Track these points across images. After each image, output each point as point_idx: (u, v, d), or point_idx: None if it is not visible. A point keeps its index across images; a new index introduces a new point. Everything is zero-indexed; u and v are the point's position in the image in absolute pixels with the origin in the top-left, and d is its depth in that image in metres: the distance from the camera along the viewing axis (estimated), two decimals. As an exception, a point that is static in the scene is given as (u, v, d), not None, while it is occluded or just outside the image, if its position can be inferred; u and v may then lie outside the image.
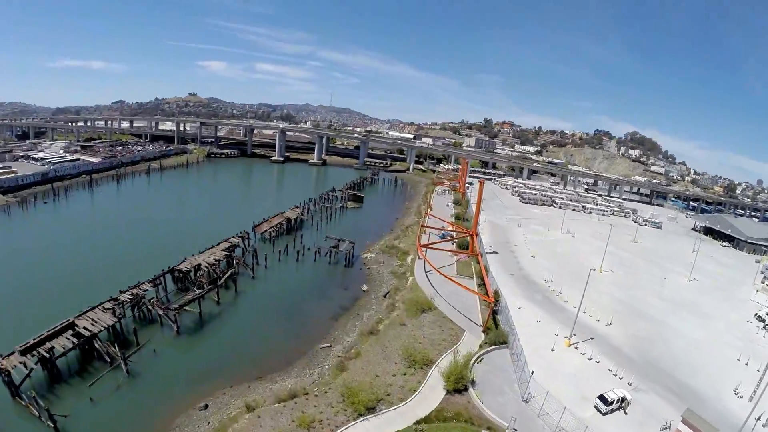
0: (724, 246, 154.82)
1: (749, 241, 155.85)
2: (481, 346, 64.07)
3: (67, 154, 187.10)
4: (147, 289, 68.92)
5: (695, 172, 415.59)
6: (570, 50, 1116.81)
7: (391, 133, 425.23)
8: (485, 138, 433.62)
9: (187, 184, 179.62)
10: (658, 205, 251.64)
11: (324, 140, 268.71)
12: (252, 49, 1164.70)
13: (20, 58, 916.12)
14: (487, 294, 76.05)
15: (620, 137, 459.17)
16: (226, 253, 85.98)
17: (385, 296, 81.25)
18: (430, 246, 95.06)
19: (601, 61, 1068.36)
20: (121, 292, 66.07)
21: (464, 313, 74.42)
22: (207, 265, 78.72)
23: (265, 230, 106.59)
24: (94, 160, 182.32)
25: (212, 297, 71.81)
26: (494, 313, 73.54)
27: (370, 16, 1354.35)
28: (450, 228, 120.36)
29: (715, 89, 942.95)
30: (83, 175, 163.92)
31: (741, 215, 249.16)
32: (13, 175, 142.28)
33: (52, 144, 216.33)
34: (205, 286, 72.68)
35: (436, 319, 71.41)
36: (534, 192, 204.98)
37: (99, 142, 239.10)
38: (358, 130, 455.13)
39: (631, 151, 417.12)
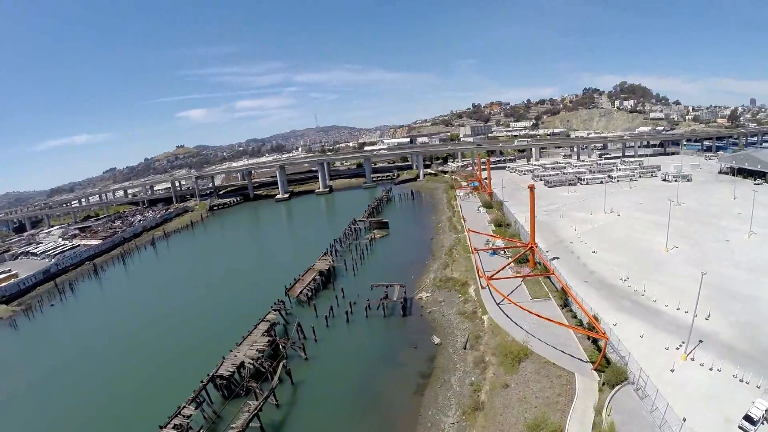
0: (757, 183, 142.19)
1: None
2: (600, 390, 51.27)
3: (66, 242, 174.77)
4: (191, 414, 55.28)
5: (693, 109, 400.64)
6: (536, 12, 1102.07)
7: (385, 141, 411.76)
8: (480, 124, 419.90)
9: (196, 249, 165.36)
10: (673, 153, 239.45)
11: (326, 166, 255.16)
12: (228, 90, 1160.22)
13: (4, 150, 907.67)
14: (584, 325, 62.75)
15: (610, 91, 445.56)
16: (267, 337, 72.36)
17: (465, 348, 67.52)
18: (496, 278, 79.89)
19: (569, 15, 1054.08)
20: (161, 428, 52.52)
21: (562, 349, 60.91)
22: (251, 361, 65.10)
23: (300, 292, 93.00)
24: (94, 242, 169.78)
25: (269, 401, 58.27)
26: (594, 341, 60.71)
27: (336, 31, 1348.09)
28: (495, 239, 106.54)
29: (684, 17, 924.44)
30: (87, 262, 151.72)
31: (765, 147, 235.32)
32: (14, 279, 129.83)
33: (49, 232, 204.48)
34: (255, 391, 59.16)
35: (537, 368, 57.75)
36: (556, 173, 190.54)
37: (96, 220, 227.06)
38: (351, 144, 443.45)
39: (625, 103, 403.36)
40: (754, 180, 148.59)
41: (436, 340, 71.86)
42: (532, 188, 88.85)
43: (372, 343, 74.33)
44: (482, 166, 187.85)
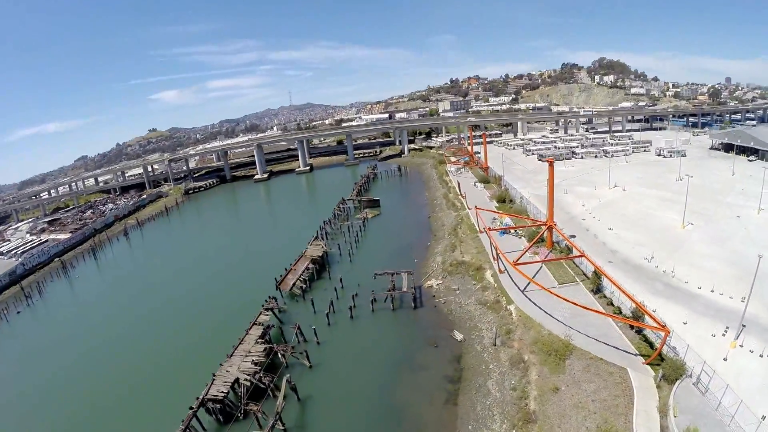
0: (751, 160, 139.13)
1: None
2: (658, 386, 43.42)
3: (34, 237, 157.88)
4: (179, 452, 43.82)
5: (673, 86, 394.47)
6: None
7: (363, 117, 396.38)
8: (459, 99, 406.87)
9: (173, 238, 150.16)
10: (661, 128, 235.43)
11: (305, 144, 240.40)
12: (200, 70, 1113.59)
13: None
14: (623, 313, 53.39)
15: (589, 66, 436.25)
16: (262, 344, 60.69)
17: (495, 344, 57.16)
18: (521, 262, 69.06)
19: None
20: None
21: (605, 341, 51.88)
22: (247, 377, 53.52)
23: (293, 285, 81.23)
24: (63, 237, 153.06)
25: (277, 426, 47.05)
26: (639, 331, 52.31)
27: (311, 6, 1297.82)
28: (502, 217, 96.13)
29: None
30: (56, 258, 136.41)
31: (751, 124, 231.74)
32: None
33: (17, 228, 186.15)
34: (257, 415, 47.90)
35: (585, 365, 48.50)
36: (548, 147, 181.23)
37: (66, 211, 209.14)
38: (327, 122, 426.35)
39: (605, 78, 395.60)
40: (748, 156, 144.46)
41: (459, 336, 61.31)
42: (551, 162, 78.00)
43: (384, 343, 63.30)
44: (474, 140, 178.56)
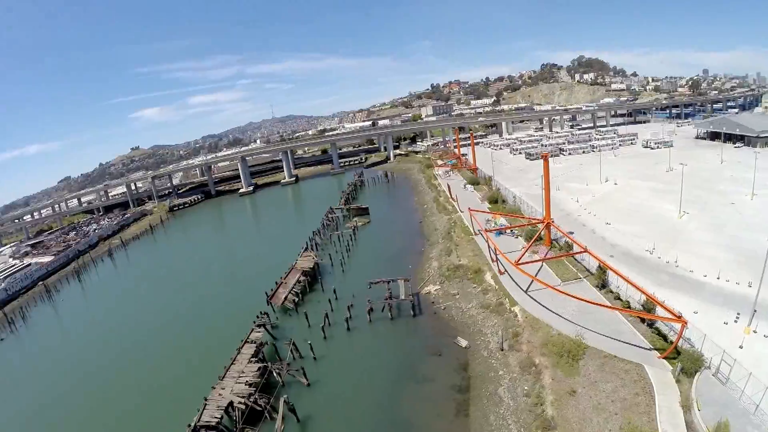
0: (737, 147, 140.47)
1: (761, 135, 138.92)
2: (678, 380, 41.05)
3: (17, 261, 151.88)
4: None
5: (653, 79, 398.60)
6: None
7: (346, 125, 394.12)
8: (441, 104, 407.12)
9: (158, 256, 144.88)
10: (645, 122, 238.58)
11: (289, 154, 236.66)
12: (180, 86, 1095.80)
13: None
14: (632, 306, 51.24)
15: (568, 65, 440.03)
16: (256, 363, 56.98)
17: (502, 349, 54.20)
18: (523, 261, 66.24)
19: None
20: None
21: (616, 337, 49.37)
22: (241, 400, 49.81)
23: (285, 298, 77.60)
24: (46, 259, 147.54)
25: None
26: (650, 324, 50.08)
27: (285, 19, 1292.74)
28: (496, 217, 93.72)
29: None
30: (40, 282, 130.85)
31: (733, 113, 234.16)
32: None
33: (0, 253, 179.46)
34: (253, 441, 44.34)
35: (599, 364, 45.85)
36: (534, 145, 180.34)
37: (49, 233, 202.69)
38: (310, 132, 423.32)
39: (585, 76, 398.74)
40: (734, 144, 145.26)
41: (463, 342, 58.23)
42: (546, 157, 76.03)
43: (384, 355, 59.98)
44: (461, 143, 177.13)
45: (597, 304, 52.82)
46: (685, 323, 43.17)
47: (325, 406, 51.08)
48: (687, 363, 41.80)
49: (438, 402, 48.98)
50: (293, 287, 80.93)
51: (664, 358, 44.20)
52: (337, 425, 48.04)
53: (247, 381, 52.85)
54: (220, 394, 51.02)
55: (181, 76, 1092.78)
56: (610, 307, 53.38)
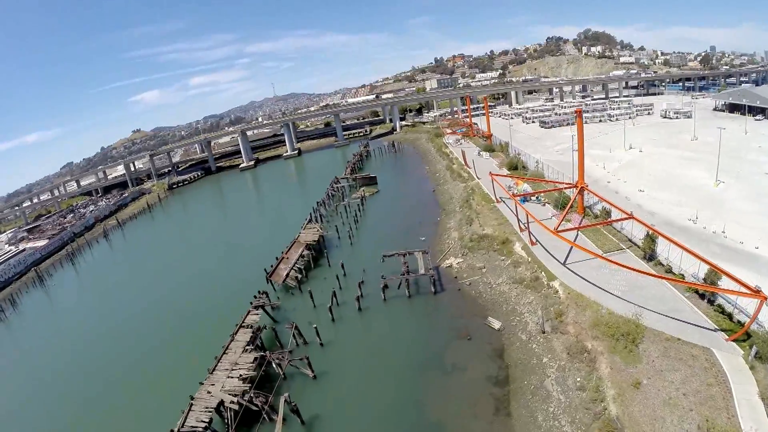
0: (758, 119, 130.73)
1: None
2: (752, 367, 33.41)
3: (12, 248, 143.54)
4: None
5: (662, 53, 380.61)
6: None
7: (349, 100, 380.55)
8: (446, 77, 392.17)
9: (155, 234, 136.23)
10: (659, 93, 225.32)
11: (291, 127, 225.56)
12: (179, 68, 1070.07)
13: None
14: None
15: (574, 38, 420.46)
16: (252, 352, 47.62)
17: (544, 331, 44.66)
18: (562, 228, 56.24)
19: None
20: None
21: (678, 316, 40.47)
22: (233, 399, 40.64)
23: (287, 275, 68.18)
24: (40, 244, 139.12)
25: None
26: (710, 302, 41.64)
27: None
28: (519, 182, 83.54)
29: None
30: (34, 267, 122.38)
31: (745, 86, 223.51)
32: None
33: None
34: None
35: (663, 348, 37.06)
36: (548, 114, 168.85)
37: (47, 217, 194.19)
38: (312, 109, 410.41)
39: (593, 49, 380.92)
40: (754, 116, 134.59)
41: (496, 324, 48.69)
42: (579, 113, 65.50)
43: (403, 339, 50.61)
44: (472, 111, 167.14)
45: (662, 277, 43.35)
46: (766, 298, 34.21)
47: (335, 404, 41.98)
48: (763, 346, 33.87)
49: (471, 397, 39.82)
50: (296, 263, 71.42)
51: (733, 340, 36.15)
52: (350, 428, 39.00)
53: (241, 375, 43.60)
54: (209, 392, 41.87)
55: (179, 58, 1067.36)
56: (677, 281, 43.86)
